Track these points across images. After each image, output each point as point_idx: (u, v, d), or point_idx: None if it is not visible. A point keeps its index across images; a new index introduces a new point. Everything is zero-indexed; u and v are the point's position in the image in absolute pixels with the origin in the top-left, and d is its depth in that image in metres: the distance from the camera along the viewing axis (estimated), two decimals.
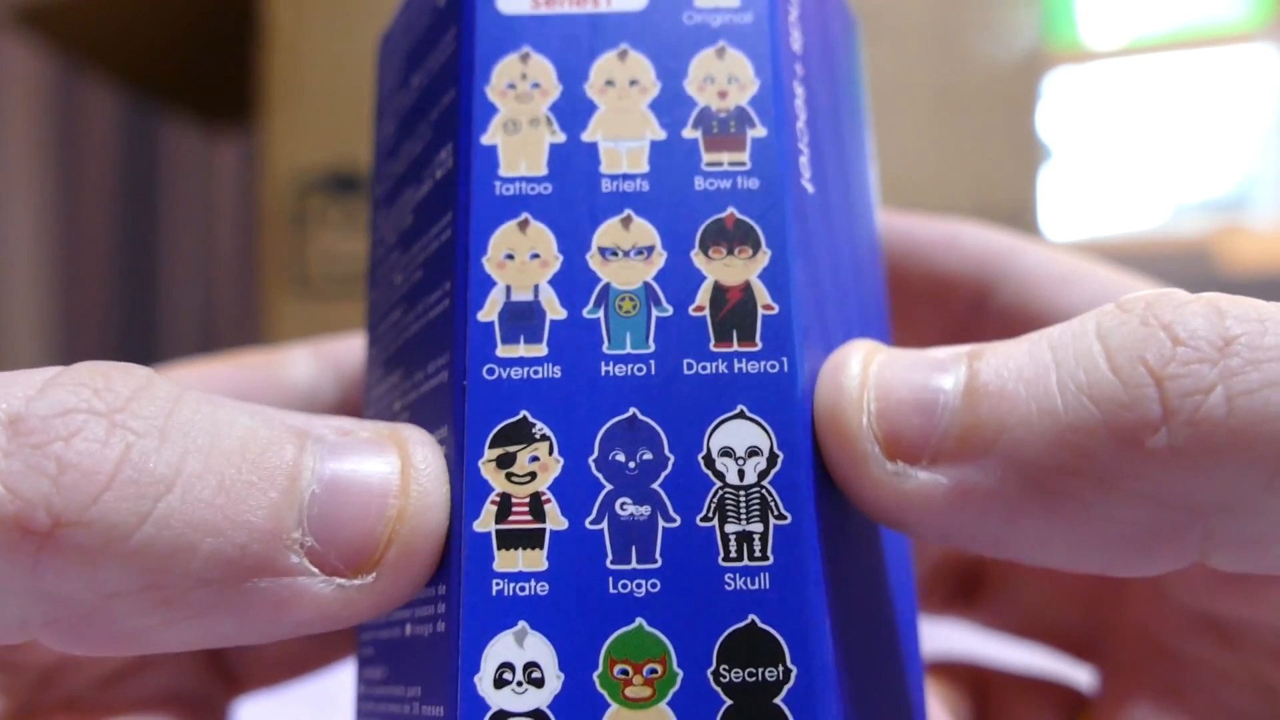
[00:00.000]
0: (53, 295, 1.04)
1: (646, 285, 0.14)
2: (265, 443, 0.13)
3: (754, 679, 0.13)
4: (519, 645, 0.13)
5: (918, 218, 0.21)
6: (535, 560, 0.13)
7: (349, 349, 0.20)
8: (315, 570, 0.13)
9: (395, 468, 0.13)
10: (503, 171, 0.15)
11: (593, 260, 0.14)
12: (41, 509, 0.12)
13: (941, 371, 0.13)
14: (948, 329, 0.20)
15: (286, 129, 0.60)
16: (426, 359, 0.15)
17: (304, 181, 0.60)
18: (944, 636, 0.18)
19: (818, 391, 0.14)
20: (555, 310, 0.14)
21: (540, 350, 0.14)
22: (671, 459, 0.14)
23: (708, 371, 0.14)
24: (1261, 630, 0.17)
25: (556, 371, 0.14)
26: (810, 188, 0.15)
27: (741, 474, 0.13)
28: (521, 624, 0.13)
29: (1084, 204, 1.36)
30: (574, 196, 0.14)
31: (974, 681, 0.22)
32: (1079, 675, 0.21)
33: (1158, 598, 0.19)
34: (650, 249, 0.14)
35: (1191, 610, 0.18)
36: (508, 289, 0.14)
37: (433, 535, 0.13)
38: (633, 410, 0.14)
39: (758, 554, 0.13)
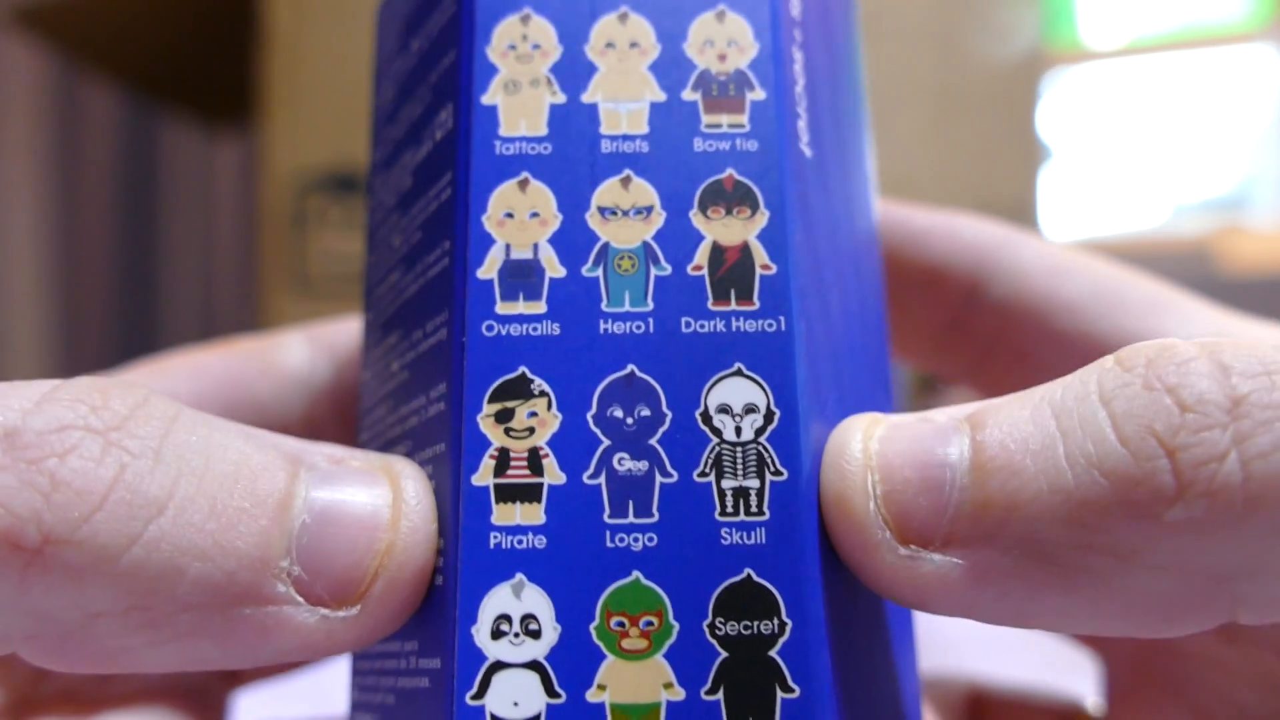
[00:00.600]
0: (53, 295, 1.04)
1: (645, 244, 0.14)
2: (259, 468, 0.13)
3: (749, 631, 0.13)
4: (516, 597, 0.13)
5: (913, 207, 0.20)
6: (533, 514, 0.13)
7: (343, 332, 0.20)
8: (300, 600, 0.13)
9: (386, 501, 0.13)
10: (503, 131, 0.15)
11: (592, 219, 0.14)
12: (32, 525, 0.12)
13: (944, 442, 0.13)
14: (941, 318, 0.20)
15: (286, 129, 0.60)
16: (425, 318, 0.15)
17: (304, 181, 0.60)
18: (932, 646, 0.18)
19: (822, 475, 0.14)
20: (554, 268, 0.14)
21: (539, 307, 0.14)
22: (669, 415, 0.14)
23: (705, 330, 0.14)
24: (1269, 627, 0.17)
25: (555, 329, 0.14)
26: (809, 151, 0.15)
27: (738, 431, 0.14)
28: (519, 576, 0.13)
29: (1084, 204, 1.36)
30: (574, 157, 0.15)
31: (966, 700, 0.21)
32: (1075, 681, 0.21)
33: None
34: (649, 209, 0.14)
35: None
36: (507, 247, 0.14)
37: (419, 570, 0.13)
38: (631, 367, 0.14)
39: (754, 509, 0.13)
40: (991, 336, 0.20)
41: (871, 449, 0.13)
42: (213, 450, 0.13)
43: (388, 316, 0.17)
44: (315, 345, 0.20)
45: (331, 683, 0.22)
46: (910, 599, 0.13)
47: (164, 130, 1.10)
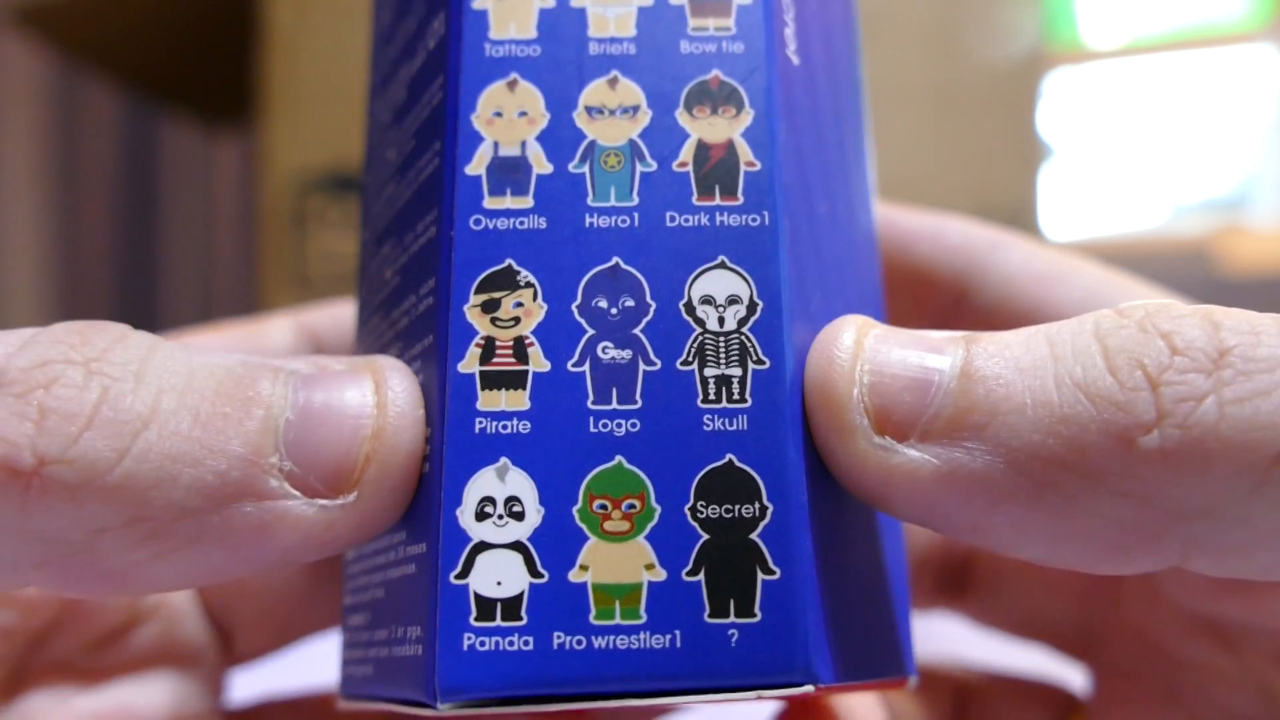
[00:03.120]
0: (53, 295, 1.04)
1: (631, 142, 0.15)
2: (239, 378, 0.13)
3: (730, 514, 0.13)
4: (500, 480, 0.13)
5: (901, 209, 0.20)
6: (518, 400, 0.14)
7: (329, 317, 0.21)
8: (296, 493, 0.13)
9: (370, 392, 0.14)
10: (492, 34, 0.15)
11: (579, 118, 0.15)
12: (26, 450, 0.12)
13: (938, 352, 0.14)
14: (926, 323, 0.20)
15: (286, 129, 0.60)
16: (417, 219, 0.15)
17: (304, 181, 0.60)
18: (923, 637, 0.18)
19: (809, 361, 0.14)
20: (542, 165, 0.14)
21: (526, 202, 0.14)
22: (653, 306, 0.14)
23: (690, 224, 0.14)
24: (1262, 634, 0.17)
25: (542, 223, 0.14)
26: (795, 59, 0.16)
27: (721, 321, 0.14)
28: (503, 460, 0.13)
29: (1084, 204, 1.36)
30: (562, 58, 0.15)
31: (953, 688, 0.21)
32: (1071, 676, 0.21)
33: (1155, 599, 0.19)
34: (635, 108, 0.15)
35: (1190, 613, 0.18)
36: (495, 144, 0.15)
37: (410, 453, 0.14)
38: (615, 260, 0.14)
39: (736, 397, 0.14)
40: None
41: (865, 343, 0.14)
42: (194, 367, 0.13)
43: (384, 227, 0.17)
44: (300, 332, 0.20)
45: (325, 660, 0.22)
46: (874, 491, 0.13)
47: (164, 130, 1.10)
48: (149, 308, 1.10)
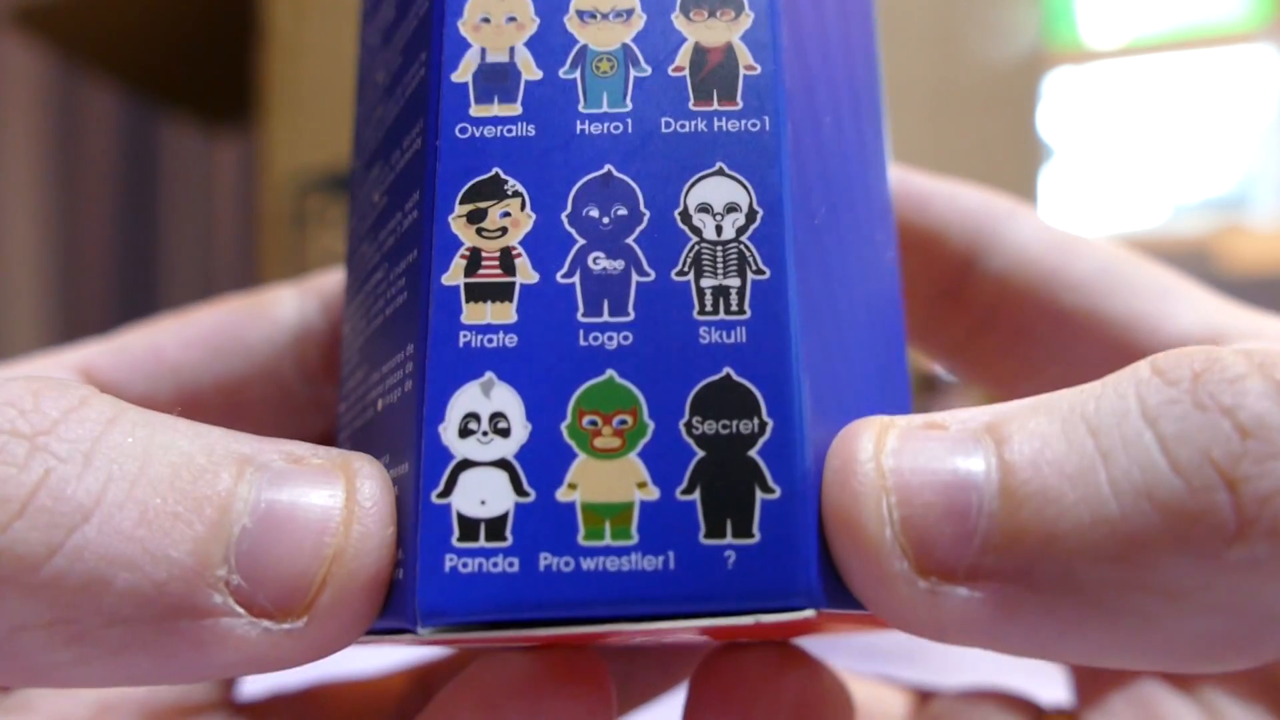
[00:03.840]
0: (53, 295, 1.04)
1: (625, 46, 0.14)
2: (199, 470, 0.12)
3: (728, 430, 0.13)
4: (485, 396, 0.13)
5: (915, 171, 0.20)
6: (504, 313, 0.13)
7: (334, 281, 0.20)
8: (241, 611, 0.12)
9: (339, 501, 0.13)
10: None
11: (570, 23, 0.14)
12: None
13: (966, 458, 0.12)
14: (936, 284, 0.20)
15: (286, 129, 0.60)
16: (403, 134, 0.15)
17: (304, 181, 0.60)
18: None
19: (826, 489, 0.12)
20: (531, 71, 0.14)
21: (514, 110, 0.14)
22: (647, 215, 0.13)
23: (686, 130, 0.14)
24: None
25: (530, 130, 0.14)
26: None
27: (719, 230, 0.13)
28: (489, 375, 0.13)
29: (1084, 204, 1.36)
30: None
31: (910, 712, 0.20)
32: (1043, 686, 0.20)
33: None
34: (629, 11, 0.14)
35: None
36: (483, 51, 0.14)
37: (371, 580, 0.12)
38: (608, 167, 0.14)
39: (734, 308, 0.13)
40: (988, 308, 0.19)
41: (885, 465, 0.12)
42: (151, 452, 0.12)
43: (370, 152, 0.17)
44: (306, 294, 0.20)
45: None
46: (928, 633, 0.12)
47: (164, 130, 1.10)
48: (149, 308, 1.10)
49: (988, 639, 0.12)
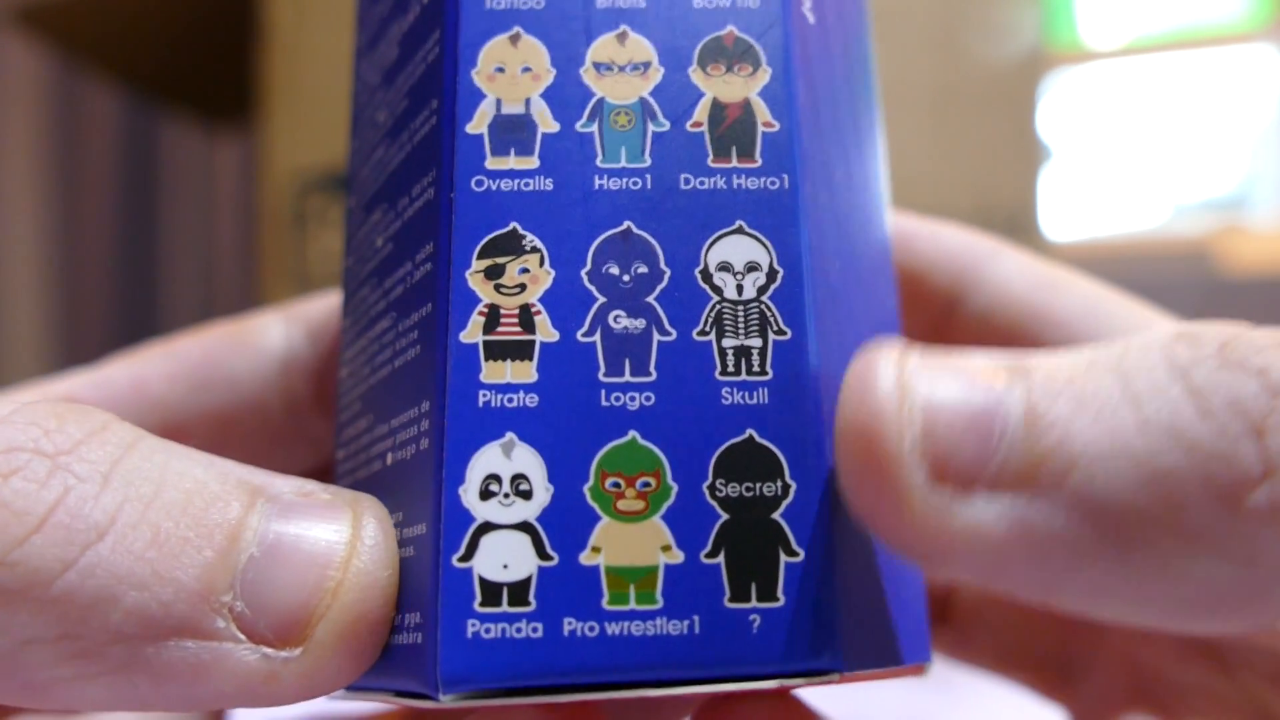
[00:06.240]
0: (53, 295, 1.04)
1: (642, 100, 0.14)
2: (212, 497, 0.12)
3: (751, 493, 0.13)
4: (506, 457, 0.13)
5: (898, 212, 0.20)
6: (524, 372, 0.13)
7: (320, 308, 0.20)
8: (241, 637, 0.12)
9: (344, 537, 0.13)
10: None
11: (587, 75, 0.14)
12: None
13: (991, 381, 0.12)
14: (919, 325, 0.20)
15: (286, 129, 0.60)
16: (412, 182, 0.15)
17: (304, 181, 0.60)
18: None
19: (842, 408, 0.12)
20: (547, 123, 0.14)
21: (531, 162, 0.14)
22: (667, 273, 0.13)
23: (705, 187, 0.14)
24: (1258, 654, 0.17)
25: (548, 184, 0.14)
26: (810, 17, 0.15)
27: (740, 289, 0.13)
28: (509, 435, 0.13)
29: (1084, 204, 1.36)
30: (568, 12, 0.14)
31: None
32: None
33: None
34: (646, 64, 0.14)
35: (1185, 636, 0.18)
36: (498, 101, 0.14)
37: (368, 617, 0.13)
38: (627, 223, 0.13)
39: (756, 369, 0.13)
40: (973, 347, 0.19)
41: (909, 383, 0.12)
42: (167, 477, 0.12)
43: (371, 194, 0.16)
44: (291, 322, 0.20)
45: None
46: (931, 553, 0.12)
47: (164, 130, 1.10)
48: (149, 308, 1.10)
49: (993, 566, 0.12)
